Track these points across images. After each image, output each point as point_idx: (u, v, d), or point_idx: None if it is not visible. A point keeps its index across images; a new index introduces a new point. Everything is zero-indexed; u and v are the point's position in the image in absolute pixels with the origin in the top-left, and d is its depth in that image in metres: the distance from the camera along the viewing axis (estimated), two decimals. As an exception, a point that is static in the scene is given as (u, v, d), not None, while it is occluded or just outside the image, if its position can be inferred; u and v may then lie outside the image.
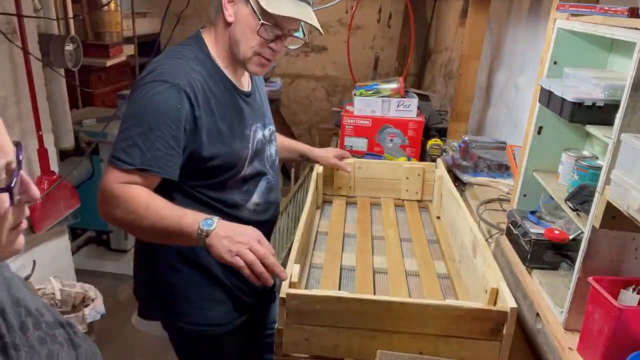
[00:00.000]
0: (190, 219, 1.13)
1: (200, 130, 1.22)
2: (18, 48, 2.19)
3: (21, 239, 0.68)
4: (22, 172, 0.65)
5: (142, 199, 1.15)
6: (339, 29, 5.30)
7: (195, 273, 1.37)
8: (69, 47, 2.63)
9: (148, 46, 3.13)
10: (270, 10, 1.20)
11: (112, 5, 3.22)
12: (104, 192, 1.17)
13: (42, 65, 2.44)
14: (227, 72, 1.31)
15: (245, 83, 1.40)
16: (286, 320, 1.13)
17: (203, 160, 1.26)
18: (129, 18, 3.42)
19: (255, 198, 1.42)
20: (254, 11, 1.21)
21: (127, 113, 1.19)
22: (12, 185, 0.62)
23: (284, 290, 1.13)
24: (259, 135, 1.42)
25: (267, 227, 1.49)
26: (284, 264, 1.24)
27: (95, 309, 2.22)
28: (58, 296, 2.27)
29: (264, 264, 1.11)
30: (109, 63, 3.28)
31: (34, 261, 2.26)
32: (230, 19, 1.24)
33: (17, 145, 0.65)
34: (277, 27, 1.24)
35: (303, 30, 1.33)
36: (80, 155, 2.86)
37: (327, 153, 1.90)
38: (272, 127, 1.53)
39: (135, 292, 1.53)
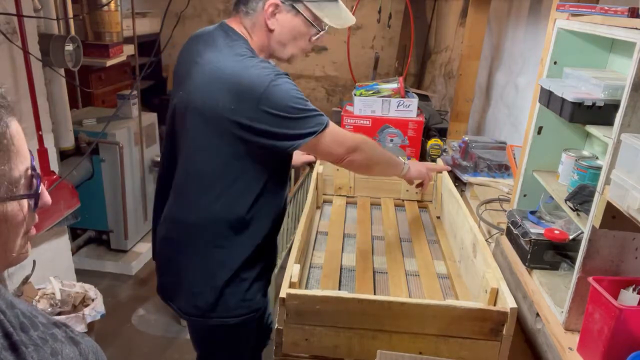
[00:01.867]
0: (395, 156, 1.60)
1: None
2: (18, 48, 2.19)
3: (29, 246, 0.69)
4: None
5: (366, 138, 1.46)
6: (339, 28, 5.30)
7: (239, 266, 1.36)
8: (69, 47, 2.63)
9: (148, 46, 3.13)
10: (336, 26, 1.39)
11: (112, 5, 3.21)
12: (355, 149, 1.38)
13: (42, 65, 2.44)
14: None
15: None
16: (286, 320, 1.13)
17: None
18: (129, 18, 3.42)
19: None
20: (310, 22, 1.35)
21: (285, 107, 1.25)
22: (39, 190, 0.64)
23: (284, 290, 1.13)
24: None
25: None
26: (284, 264, 1.24)
27: (95, 309, 2.22)
28: (58, 296, 2.27)
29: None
30: (109, 63, 3.27)
31: (34, 261, 2.26)
32: (273, 26, 1.33)
33: (30, 153, 0.66)
34: (322, 28, 1.39)
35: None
36: (80, 155, 2.86)
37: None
38: None
39: (165, 292, 1.49)
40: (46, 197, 0.68)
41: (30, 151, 0.66)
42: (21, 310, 0.74)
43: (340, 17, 1.39)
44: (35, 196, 0.64)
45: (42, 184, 0.68)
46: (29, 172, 0.64)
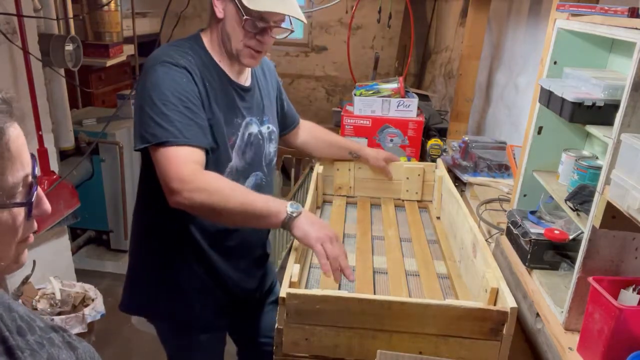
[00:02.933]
0: (276, 202, 1.22)
1: (204, 105, 1.27)
2: (18, 48, 2.19)
3: (26, 253, 0.68)
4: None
5: (223, 181, 1.20)
6: (339, 29, 5.31)
7: (176, 273, 1.41)
8: (69, 47, 2.64)
9: (148, 46, 3.13)
10: (250, 6, 1.23)
11: (112, 5, 3.22)
12: (177, 181, 1.14)
13: (42, 65, 2.44)
14: (222, 65, 1.35)
15: (243, 79, 1.42)
16: (286, 320, 1.13)
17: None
18: (129, 18, 3.43)
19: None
20: (238, 7, 1.25)
21: (140, 99, 1.22)
22: (32, 199, 0.62)
23: (284, 289, 1.13)
24: (253, 129, 1.42)
25: (256, 235, 1.52)
26: (284, 264, 1.25)
27: (95, 309, 2.22)
28: (58, 296, 2.27)
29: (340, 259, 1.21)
30: (109, 63, 3.28)
31: (34, 261, 2.26)
32: (220, 15, 1.29)
33: (32, 157, 0.65)
34: (262, 20, 1.27)
35: (290, 20, 1.36)
36: (80, 155, 2.86)
37: (379, 154, 1.91)
38: (273, 128, 1.53)
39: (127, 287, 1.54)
40: (45, 205, 0.67)
41: (34, 157, 0.65)
42: (19, 314, 0.73)
43: (262, 2, 1.24)
44: (28, 205, 0.62)
45: (41, 191, 0.66)
46: (29, 179, 0.62)
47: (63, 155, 2.87)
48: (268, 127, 1.50)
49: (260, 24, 1.28)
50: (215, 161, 1.31)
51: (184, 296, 1.41)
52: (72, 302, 2.28)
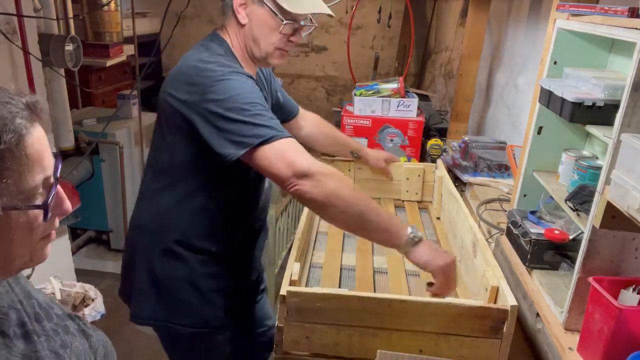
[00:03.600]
0: (398, 221, 1.22)
1: None
2: (18, 48, 2.19)
3: (49, 248, 0.70)
4: (58, 187, 0.67)
5: (346, 178, 1.21)
6: (339, 29, 5.31)
7: (195, 276, 1.36)
8: (69, 47, 2.63)
9: (148, 46, 3.13)
10: (294, 11, 1.25)
11: (112, 5, 3.22)
12: (302, 173, 1.12)
13: (42, 65, 2.44)
14: (246, 70, 1.34)
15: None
16: (286, 318, 1.13)
17: None
18: (129, 18, 3.42)
19: (261, 194, 1.46)
20: (274, 12, 1.26)
21: (220, 112, 1.16)
22: (49, 202, 0.64)
23: (284, 287, 1.13)
24: None
25: (261, 237, 1.53)
26: (284, 264, 1.25)
27: (95, 309, 2.22)
28: (58, 296, 2.27)
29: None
30: (109, 63, 3.28)
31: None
32: (244, 21, 1.29)
33: (56, 158, 0.67)
34: (295, 21, 1.29)
35: (310, 17, 1.39)
36: (80, 155, 2.86)
37: (379, 155, 1.92)
38: None
39: (124, 295, 1.48)
40: (66, 205, 0.69)
41: (58, 157, 0.66)
42: (38, 301, 0.78)
43: (302, 3, 1.27)
44: (43, 207, 0.64)
45: (62, 191, 0.68)
46: (50, 180, 0.65)
47: (63, 155, 2.87)
48: None
49: (295, 25, 1.30)
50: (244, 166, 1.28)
51: (204, 299, 1.38)
52: (72, 302, 2.28)
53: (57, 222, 0.70)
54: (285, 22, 1.26)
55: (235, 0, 1.27)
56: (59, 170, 0.67)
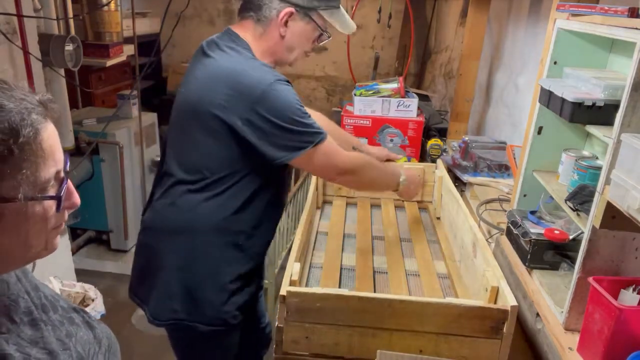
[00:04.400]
0: (397, 171, 1.59)
1: None
2: (18, 48, 2.19)
3: (58, 239, 0.74)
4: (68, 181, 0.71)
5: (368, 159, 1.47)
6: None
7: (218, 273, 1.34)
8: (69, 47, 2.63)
9: (148, 46, 3.13)
10: (346, 32, 1.48)
11: (112, 5, 3.21)
12: (344, 169, 1.36)
13: (42, 65, 2.44)
14: None
15: None
16: (286, 318, 1.13)
17: None
18: (129, 18, 3.42)
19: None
20: (320, 28, 1.39)
21: (279, 116, 1.22)
22: (62, 193, 0.69)
23: (284, 287, 1.13)
24: None
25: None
26: (284, 264, 1.25)
27: (95, 309, 2.22)
28: (58, 296, 2.27)
29: None
30: (109, 63, 3.28)
31: (34, 261, 2.26)
32: (284, 34, 1.35)
33: (65, 154, 0.71)
34: (326, 31, 1.43)
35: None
36: (80, 155, 2.86)
37: (381, 152, 1.89)
38: None
39: (139, 296, 1.45)
40: (75, 198, 0.73)
41: (66, 153, 0.70)
42: (44, 294, 0.82)
43: (346, 23, 1.46)
44: (58, 199, 0.68)
45: (71, 185, 0.72)
46: (61, 174, 0.69)
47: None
48: None
49: (325, 34, 1.44)
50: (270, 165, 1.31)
51: (224, 298, 1.35)
52: (72, 302, 2.28)
53: (66, 214, 0.73)
54: (330, 37, 1.43)
55: (282, 14, 1.32)
56: (67, 165, 0.71)
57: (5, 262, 0.69)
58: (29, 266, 2.26)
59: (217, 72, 1.26)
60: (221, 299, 1.34)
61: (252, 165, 1.29)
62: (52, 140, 0.67)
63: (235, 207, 1.31)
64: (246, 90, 1.21)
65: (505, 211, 1.73)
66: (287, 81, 1.30)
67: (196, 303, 1.34)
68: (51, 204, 0.68)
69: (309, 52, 1.46)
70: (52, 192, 0.68)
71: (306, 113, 1.28)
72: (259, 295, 1.75)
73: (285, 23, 1.33)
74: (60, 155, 0.69)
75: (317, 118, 1.76)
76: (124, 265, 3.17)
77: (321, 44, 1.45)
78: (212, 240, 1.32)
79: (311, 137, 1.26)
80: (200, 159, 1.31)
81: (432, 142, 2.52)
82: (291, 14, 1.32)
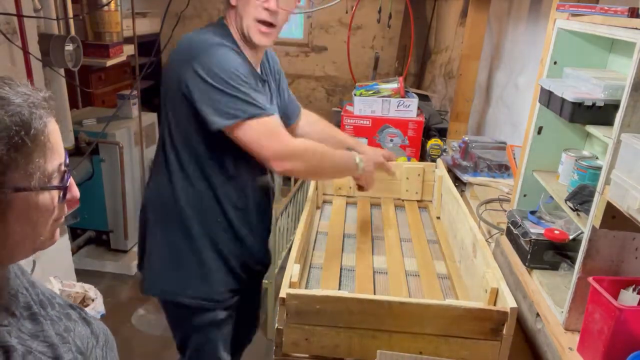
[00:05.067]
0: (349, 156, 1.45)
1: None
2: (18, 48, 2.19)
3: (58, 231, 0.77)
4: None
5: (318, 145, 1.36)
6: (339, 29, 5.31)
7: (199, 248, 1.41)
8: (69, 47, 2.63)
9: (148, 46, 3.13)
10: None
11: (112, 5, 3.21)
12: (286, 153, 1.27)
13: (42, 65, 2.44)
14: (246, 55, 1.38)
15: (259, 69, 1.46)
16: (286, 320, 1.13)
17: None
18: (129, 18, 3.42)
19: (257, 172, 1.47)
20: None
21: (209, 77, 1.23)
22: (67, 184, 0.73)
23: (284, 290, 1.13)
24: None
25: (266, 215, 1.54)
26: (284, 264, 1.25)
27: (95, 309, 2.22)
28: (58, 296, 2.27)
29: None
30: (109, 63, 3.28)
31: (34, 261, 2.26)
32: (234, 2, 1.33)
33: (65, 149, 0.75)
34: None
35: None
36: (80, 155, 2.86)
37: (377, 152, 1.88)
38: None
39: (140, 267, 1.56)
40: (75, 191, 0.76)
41: (66, 150, 0.74)
42: (41, 290, 0.85)
43: None
44: (64, 188, 0.72)
45: (72, 178, 0.76)
46: (62, 167, 0.72)
47: (63, 155, 2.87)
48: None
49: None
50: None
51: (209, 272, 1.44)
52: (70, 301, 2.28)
53: (65, 207, 0.76)
54: None
55: None
56: (67, 159, 0.74)
57: (15, 251, 0.72)
58: (29, 266, 2.26)
59: (177, 45, 1.31)
60: (204, 274, 1.42)
61: (209, 138, 1.29)
62: (57, 133, 0.71)
63: (198, 183, 1.36)
64: (190, 51, 1.26)
65: (505, 211, 1.73)
66: (240, 53, 1.29)
67: (182, 277, 1.43)
68: (56, 194, 0.71)
69: (257, 16, 1.32)
70: (56, 183, 0.71)
71: (247, 83, 1.24)
72: (259, 289, 1.79)
73: None
74: (62, 149, 0.72)
75: (313, 119, 1.76)
76: (124, 265, 3.18)
77: (266, 5, 1.30)
78: (185, 216, 1.39)
79: (246, 107, 1.22)
80: (170, 133, 1.37)
81: (432, 142, 2.52)
82: None
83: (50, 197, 0.71)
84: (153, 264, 1.48)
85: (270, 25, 1.32)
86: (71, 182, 0.75)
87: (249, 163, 1.37)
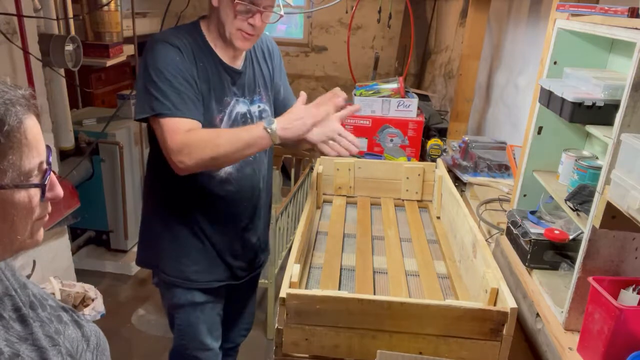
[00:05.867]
0: (255, 127, 1.30)
1: (196, 82, 1.36)
2: (18, 48, 2.19)
3: (42, 232, 0.77)
4: (51, 173, 0.74)
5: (208, 131, 1.33)
6: (339, 29, 5.30)
7: (175, 230, 1.50)
8: (69, 47, 2.63)
9: (148, 46, 3.12)
10: None
11: (112, 5, 3.21)
12: (173, 150, 1.27)
13: (42, 65, 2.44)
14: (217, 50, 1.43)
15: (237, 63, 1.48)
16: (286, 321, 1.13)
17: None
18: (129, 18, 3.42)
19: (228, 167, 1.46)
20: None
21: (140, 75, 1.34)
22: (45, 182, 0.72)
23: (284, 290, 1.13)
24: (241, 108, 1.47)
25: (242, 206, 1.53)
26: (284, 264, 1.25)
27: (95, 309, 2.22)
28: (58, 296, 2.26)
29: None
30: (109, 63, 3.28)
31: (34, 261, 2.26)
32: (215, 3, 1.37)
33: (47, 148, 0.74)
34: (253, 4, 1.34)
35: (280, 5, 1.41)
36: (80, 155, 2.86)
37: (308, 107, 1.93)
38: (265, 107, 1.55)
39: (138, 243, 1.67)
40: (57, 190, 0.75)
41: (49, 147, 0.74)
42: (32, 292, 0.84)
43: None
44: (41, 187, 0.71)
45: (54, 177, 0.75)
46: (44, 165, 0.71)
47: (63, 155, 2.87)
48: (259, 106, 1.52)
49: (252, 8, 1.34)
50: None
51: (185, 253, 1.51)
52: (72, 302, 2.28)
53: (49, 206, 0.76)
54: (236, 1, 1.32)
55: None
56: (50, 157, 0.73)
57: None
58: (29, 266, 2.26)
59: None
60: (179, 252, 1.50)
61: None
62: (36, 131, 0.70)
63: (158, 170, 1.44)
64: (144, 50, 1.36)
65: (505, 211, 1.73)
66: (179, 48, 1.33)
67: (162, 254, 1.52)
68: (35, 193, 0.71)
69: (240, 27, 1.35)
70: (36, 181, 0.71)
71: (169, 80, 1.29)
72: (254, 282, 1.80)
73: None
74: (43, 148, 0.72)
75: None
76: (124, 265, 3.17)
77: (238, 8, 1.32)
78: (158, 198, 1.52)
79: (155, 104, 1.29)
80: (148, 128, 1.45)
81: (432, 142, 2.52)
82: None
83: (28, 196, 0.69)
84: (141, 236, 1.61)
85: (251, 34, 1.38)
86: (54, 181, 0.74)
87: None
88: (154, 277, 1.62)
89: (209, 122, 1.38)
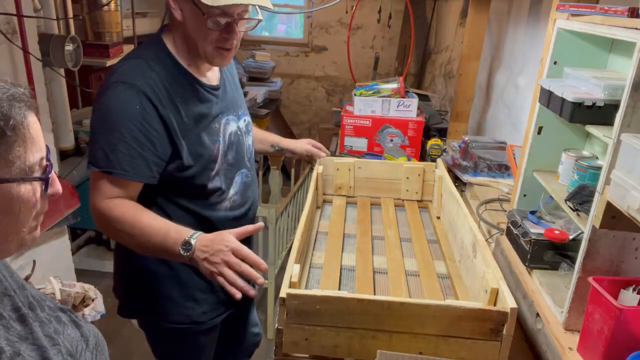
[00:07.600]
0: (171, 240, 1.17)
1: (171, 128, 1.23)
2: (18, 48, 2.19)
3: (39, 229, 0.78)
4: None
5: (128, 216, 1.19)
6: (339, 29, 5.31)
7: (177, 271, 1.39)
8: (69, 47, 2.64)
9: (148, 46, 3.12)
10: (209, 3, 1.15)
11: (112, 5, 3.22)
12: (93, 212, 1.22)
13: (42, 65, 2.44)
14: (191, 70, 1.29)
15: (213, 77, 1.38)
16: (286, 321, 1.13)
17: (180, 157, 1.27)
18: (129, 18, 3.43)
19: (232, 193, 1.42)
20: (197, 6, 1.17)
21: (93, 120, 1.23)
22: (49, 176, 0.74)
23: (284, 290, 1.13)
24: (232, 127, 1.41)
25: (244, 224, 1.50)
26: (284, 264, 1.25)
27: (95, 309, 2.22)
28: (58, 296, 2.26)
29: (241, 272, 1.16)
30: (109, 63, 3.28)
31: (34, 261, 2.26)
32: (179, 17, 1.23)
33: (46, 146, 0.76)
34: (225, 15, 1.19)
35: (256, 9, 1.27)
36: (80, 155, 2.86)
37: (301, 142, 1.91)
38: (248, 118, 1.52)
39: (115, 291, 1.54)
40: (57, 186, 0.77)
41: (47, 146, 0.75)
42: (31, 293, 0.85)
43: None
44: (45, 180, 0.73)
45: (54, 173, 0.77)
46: (44, 162, 0.73)
47: (63, 155, 2.87)
48: (244, 120, 1.49)
49: (224, 20, 1.20)
50: (199, 175, 1.31)
51: (192, 295, 1.41)
52: (72, 302, 2.28)
53: (46, 203, 0.77)
54: (206, 15, 1.17)
55: None
56: (49, 154, 0.75)
57: (1, 244, 0.72)
58: (29, 266, 2.26)
59: None
60: (182, 296, 1.40)
61: None
62: (37, 127, 0.73)
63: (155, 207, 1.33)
64: (103, 85, 1.24)
65: (505, 211, 1.73)
66: (145, 93, 1.17)
67: (158, 300, 1.40)
68: (37, 187, 0.73)
69: (217, 44, 1.23)
70: (38, 175, 0.73)
71: (125, 136, 1.16)
72: (250, 307, 1.77)
73: (175, 3, 1.21)
74: (43, 144, 0.74)
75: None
76: (124, 266, 3.17)
77: (210, 25, 1.19)
78: None
79: (97, 159, 1.18)
80: None
81: (432, 142, 2.52)
82: None
83: (32, 189, 0.71)
84: (124, 282, 1.49)
85: (228, 49, 1.26)
86: (53, 177, 0.76)
87: (190, 200, 1.34)
88: (141, 322, 1.50)
89: (208, 158, 1.31)
